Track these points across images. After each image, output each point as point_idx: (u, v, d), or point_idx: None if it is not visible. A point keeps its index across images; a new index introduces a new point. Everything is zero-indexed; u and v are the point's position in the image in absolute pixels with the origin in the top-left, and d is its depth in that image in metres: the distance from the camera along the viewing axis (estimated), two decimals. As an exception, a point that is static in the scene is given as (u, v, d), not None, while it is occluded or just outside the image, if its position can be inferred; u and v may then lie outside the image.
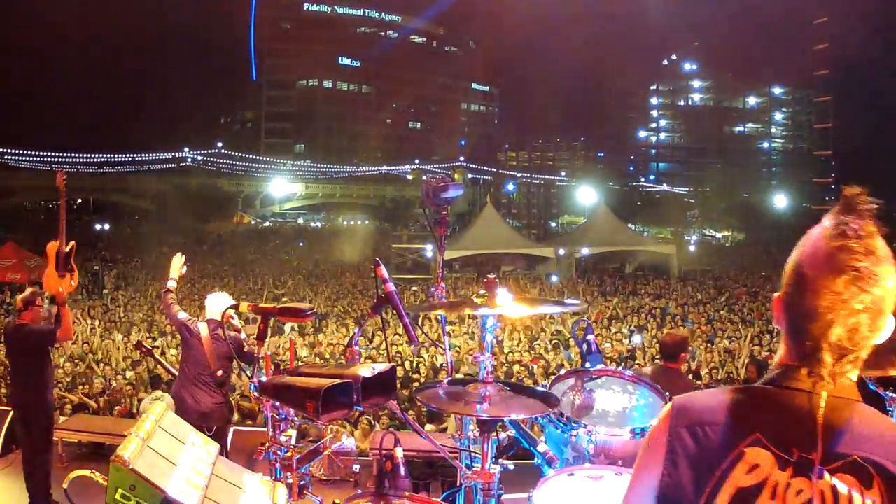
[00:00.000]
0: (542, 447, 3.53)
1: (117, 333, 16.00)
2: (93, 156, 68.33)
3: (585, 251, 32.17)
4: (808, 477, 1.36)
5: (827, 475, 1.36)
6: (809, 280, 1.43)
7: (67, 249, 6.58)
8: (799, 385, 1.43)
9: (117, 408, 9.94)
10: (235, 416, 7.47)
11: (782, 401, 1.44)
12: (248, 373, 3.25)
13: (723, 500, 1.38)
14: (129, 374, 11.91)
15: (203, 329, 6.04)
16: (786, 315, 1.50)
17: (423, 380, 11.27)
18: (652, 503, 1.48)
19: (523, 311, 3.27)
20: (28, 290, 6.66)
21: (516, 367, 12.38)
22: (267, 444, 3.24)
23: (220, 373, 6.01)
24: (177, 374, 6.55)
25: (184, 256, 6.36)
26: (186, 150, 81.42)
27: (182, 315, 6.19)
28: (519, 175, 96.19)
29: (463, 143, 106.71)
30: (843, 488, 1.35)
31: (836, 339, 1.40)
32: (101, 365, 12.73)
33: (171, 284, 6.26)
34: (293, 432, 3.31)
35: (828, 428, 1.38)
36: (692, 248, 45.23)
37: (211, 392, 6.01)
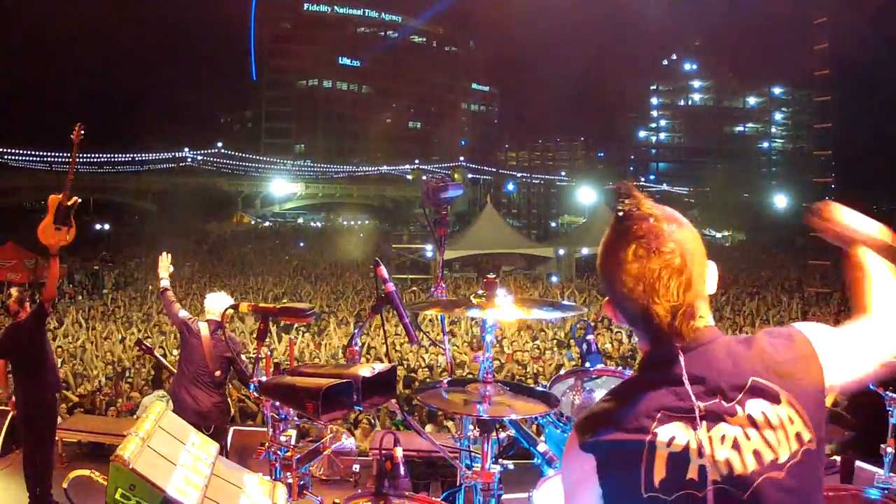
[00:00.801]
0: (541, 447, 3.53)
1: (117, 332, 16.01)
2: (93, 156, 68.25)
3: (586, 251, 32.12)
4: (723, 420, 1.44)
5: (739, 409, 1.44)
6: (611, 267, 1.55)
7: (69, 203, 6.53)
8: (669, 354, 1.50)
9: (111, 408, 9.91)
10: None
11: (663, 374, 1.51)
12: (246, 376, 3.25)
13: (658, 475, 1.44)
14: (128, 372, 11.91)
15: (203, 329, 6.04)
16: (618, 311, 1.60)
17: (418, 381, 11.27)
18: None
19: (518, 314, 3.27)
20: (14, 291, 6.66)
21: (516, 367, 12.37)
22: (267, 444, 3.24)
23: (217, 373, 6.01)
24: (175, 372, 6.55)
25: (169, 255, 6.40)
26: (186, 149, 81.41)
27: (183, 313, 6.19)
28: (519, 175, 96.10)
29: (463, 142, 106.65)
30: (757, 413, 1.44)
31: (656, 302, 1.48)
32: (102, 364, 12.73)
33: (165, 283, 6.28)
34: (293, 432, 3.31)
35: (716, 371, 1.47)
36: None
37: (209, 392, 6.00)
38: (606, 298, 1.62)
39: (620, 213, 1.56)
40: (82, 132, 6.60)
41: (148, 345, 8.30)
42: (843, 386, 1.55)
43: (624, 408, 1.51)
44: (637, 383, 1.58)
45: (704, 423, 1.44)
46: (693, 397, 1.45)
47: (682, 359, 1.48)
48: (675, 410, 1.45)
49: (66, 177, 6.61)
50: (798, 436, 1.44)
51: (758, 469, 1.42)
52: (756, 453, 1.42)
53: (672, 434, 1.44)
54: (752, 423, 1.43)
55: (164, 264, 6.35)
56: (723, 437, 1.43)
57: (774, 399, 1.45)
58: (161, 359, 8.04)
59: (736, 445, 1.42)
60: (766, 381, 1.46)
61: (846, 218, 1.79)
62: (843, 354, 1.54)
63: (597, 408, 1.57)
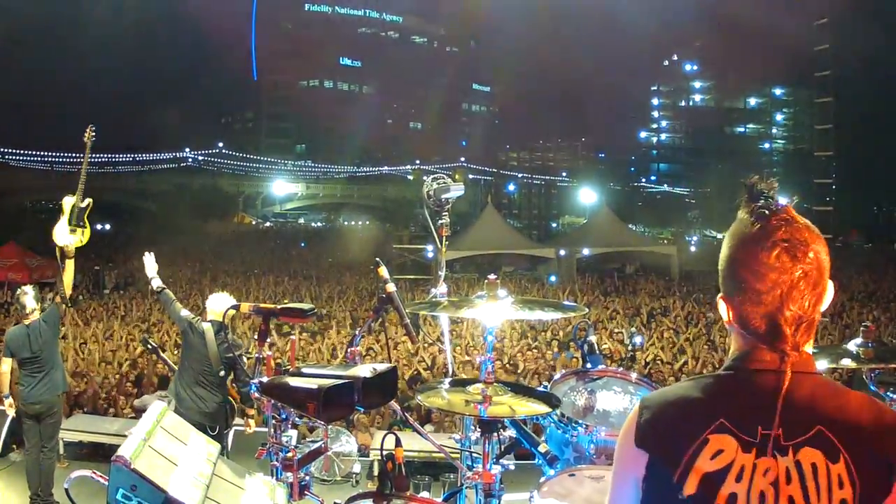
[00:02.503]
0: (543, 447, 3.53)
1: (118, 332, 15.99)
2: (93, 156, 67.99)
3: (586, 252, 32.09)
4: (773, 456, 1.40)
5: (791, 451, 1.40)
6: (746, 268, 1.49)
7: (83, 205, 6.67)
8: (763, 366, 1.48)
9: (112, 408, 9.91)
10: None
11: (746, 383, 1.49)
12: (246, 377, 3.25)
13: (690, 487, 1.42)
14: (131, 373, 11.90)
15: (207, 329, 6.03)
16: (735, 310, 1.54)
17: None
18: (635, 498, 1.52)
19: (518, 315, 3.28)
20: (31, 289, 6.68)
21: (508, 367, 12.32)
22: (268, 445, 3.24)
23: (221, 373, 6.02)
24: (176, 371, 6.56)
25: (152, 254, 6.40)
26: (187, 150, 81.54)
27: (184, 312, 6.19)
28: (520, 175, 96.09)
29: (464, 143, 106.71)
30: (807, 463, 1.39)
31: (788, 309, 1.45)
32: (103, 364, 12.73)
33: (158, 282, 6.28)
34: (294, 432, 3.31)
35: (790, 404, 1.42)
36: (693, 248, 45.17)
37: (212, 392, 6.01)
38: (724, 296, 1.56)
39: (765, 212, 1.51)
40: (93, 134, 6.76)
41: (153, 343, 8.31)
42: None
43: (691, 403, 1.49)
44: (721, 378, 1.54)
45: (754, 450, 1.41)
46: (767, 420, 1.41)
47: (787, 376, 1.44)
48: (736, 425, 1.43)
49: (79, 178, 6.73)
50: (843, 501, 1.37)
51: None
52: (791, 499, 1.38)
53: (721, 448, 1.42)
54: (798, 470, 1.39)
55: (150, 264, 6.36)
56: (766, 471, 1.40)
57: (833, 457, 1.39)
58: (165, 358, 8.05)
59: (775, 484, 1.39)
60: (834, 436, 1.40)
61: None
62: None
63: (670, 391, 1.56)
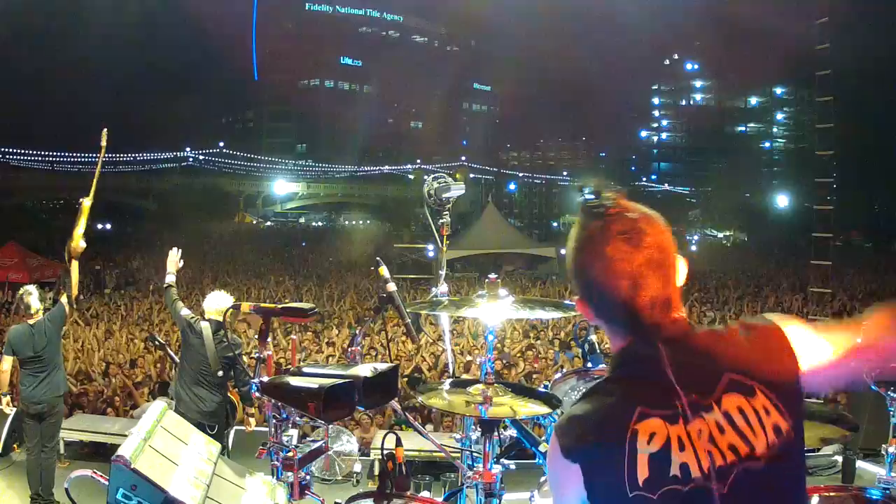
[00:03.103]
0: (543, 447, 3.53)
1: (118, 332, 16.00)
2: (94, 156, 68.14)
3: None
4: (700, 417, 1.46)
5: (715, 406, 1.46)
6: (594, 265, 1.55)
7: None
8: (644, 349, 1.53)
9: (111, 408, 9.90)
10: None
11: (641, 371, 1.54)
12: (245, 376, 3.25)
13: (642, 473, 1.44)
14: (133, 372, 11.89)
15: (205, 328, 6.03)
16: (594, 308, 1.61)
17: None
18: None
19: (517, 314, 3.27)
20: (35, 289, 6.69)
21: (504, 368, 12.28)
22: (268, 444, 3.24)
23: (220, 373, 6.01)
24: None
25: (180, 250, 6.38)
26: (188, 149, 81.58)
27: (185, 312, 6.18)
28: (520, 175, 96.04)
29: (464, 142, 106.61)
30: (732, 408, 1.46)
31: (641, 296, 1.51)
32: (102, 364, 12.73)
33: (171, 279, 6.27)
34: (294, 432, 3.31)
35: (690, 367, 1.49)
36: (693, 247, 45.15)
37: (211, 391, 6.00)
38: (579, 297, 1.62)
39: (598, 210, 1.57)
40: (109, 135, 6.85)
41: (160, 340, 8.32)
42: (814, 380, 1.59)
43: (604, 409, 1.52)
44: (615, 380, 1.59)
45: (681, 420, 1.46)
46: (676, 392, 1.47)
47: (663, 352, 1.50)
48: (654, 407, 1.47)
49: (93, 179, 6.81)
50: (775, 426, 1.46)
51: (735, 460, 1.44)
52: (732, 447, 1.44)
53: (652, 431, 1.45)
54: (728, 418, 1.46)
55: (174, 259, 6.33)
56: (699, 432, 1.45)
57: (749, 392, 1.48)
58: (172, 354, 8.05)
59: (712, 439, 1.44)
60: (741, 375, 1.49)
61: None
62: (814, 347, 1.59)
63: (577, 409, 1.57)
